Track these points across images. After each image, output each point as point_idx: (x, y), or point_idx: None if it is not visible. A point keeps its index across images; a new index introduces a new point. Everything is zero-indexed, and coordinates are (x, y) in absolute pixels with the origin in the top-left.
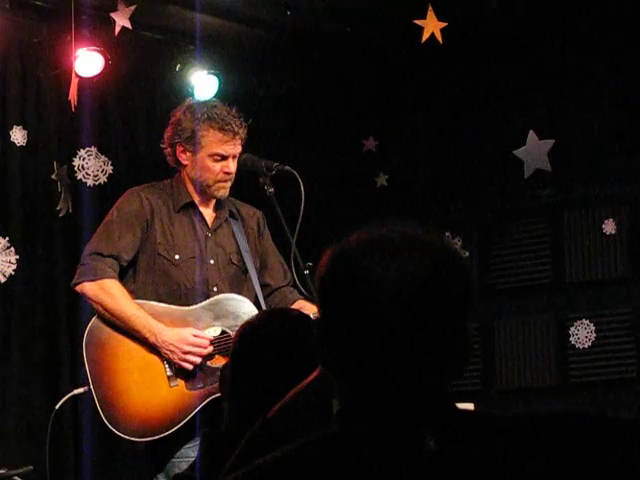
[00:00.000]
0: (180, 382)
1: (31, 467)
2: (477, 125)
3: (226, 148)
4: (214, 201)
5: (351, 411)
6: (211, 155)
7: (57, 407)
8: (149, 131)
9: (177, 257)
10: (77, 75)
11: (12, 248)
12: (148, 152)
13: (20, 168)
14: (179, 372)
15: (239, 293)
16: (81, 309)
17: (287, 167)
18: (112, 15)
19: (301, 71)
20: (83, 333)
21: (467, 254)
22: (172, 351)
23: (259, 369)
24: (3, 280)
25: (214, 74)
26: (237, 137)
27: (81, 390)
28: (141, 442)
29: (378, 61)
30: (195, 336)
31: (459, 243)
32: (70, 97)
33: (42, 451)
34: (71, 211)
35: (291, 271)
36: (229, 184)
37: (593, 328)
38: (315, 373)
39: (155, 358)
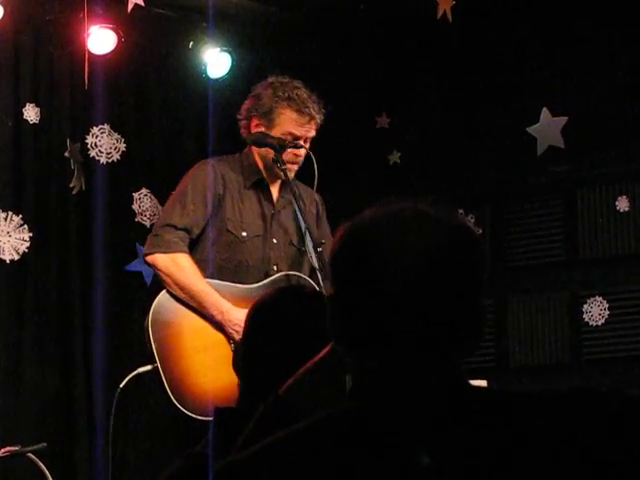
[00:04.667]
0: None
1: (45, 444)
2: (490, 102)
3: (300, 129)
4: (280, 180)
5: (364, 388)
6: (284, 134)
7: (121, 386)
8: (162, 109)
9: (244, 234)
10: (90, 53)
11: (25, 226)
12: (161, 130)
13: (33, 146)
14: None
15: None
16: (93, 286)
17: (299, 144)
18: None
19: (313, 48)
20: (96, 310)
21: (480, 231)
22: (237, 331)
23: (272, 345)
24: (17, 257)
25: (227, 51)
26: (313, 121)
27: (149, 367)
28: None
29: (391, 38)
30: None
31: (472, 220)
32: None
33: (55, 428)
34: (84, 189)
35: (305, 247)
36: (296, 167)
37: (606, 305)
38: (326, 349)
39: (220, 337)
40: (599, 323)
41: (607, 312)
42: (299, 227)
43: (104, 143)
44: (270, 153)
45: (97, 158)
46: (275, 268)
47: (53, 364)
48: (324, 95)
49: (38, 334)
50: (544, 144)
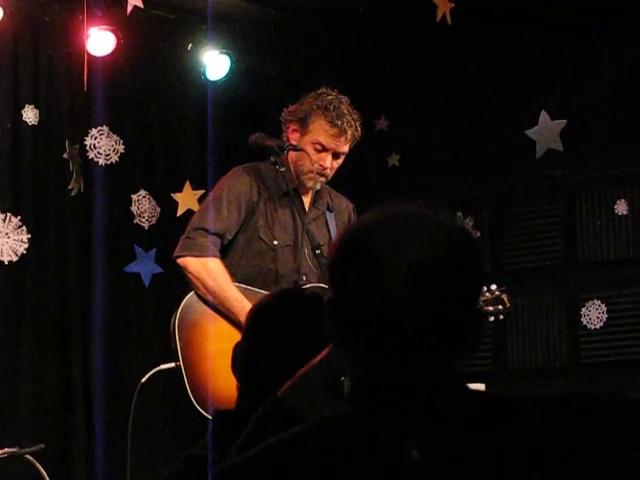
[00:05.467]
0: None
1: (42, 445)
2: (489, 105)
3: (329, 141)
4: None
5: (362, 390)
6: (314, 142)
7: (143, 381)
8: (161, 110)
9: (275, 242)
10: (89, 54)
11: (24, 227)
12: (160, 131)
13: (32, 147)
14: None
15: (326, 284)
16: (92, 287)
17: (299, 147)
18: None
19: (312, 51)
20: (95, 312)
21: (479, 234)
22: None
23: (271, 348)
24: (15, 259)
25: (226, 53)
26: (343, 136)
27: (172, 365)
28: None
29: (390, 40)
30: None
31: (471, 223)
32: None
33: (53, 430)
34: (82, 190)
35: (302, 251)
36: (321, 179)
37: (605, 309)
38: (325, 351)
39: None
40: (597, 326)
41: (605, 315)
42: (331, 239)
43: (103, 145)
44: (300, 160)
45: (96, 160)
46: (304, 278)
47: (51, 365)
48: None
49: (36, 335)
50: (543, 147)
